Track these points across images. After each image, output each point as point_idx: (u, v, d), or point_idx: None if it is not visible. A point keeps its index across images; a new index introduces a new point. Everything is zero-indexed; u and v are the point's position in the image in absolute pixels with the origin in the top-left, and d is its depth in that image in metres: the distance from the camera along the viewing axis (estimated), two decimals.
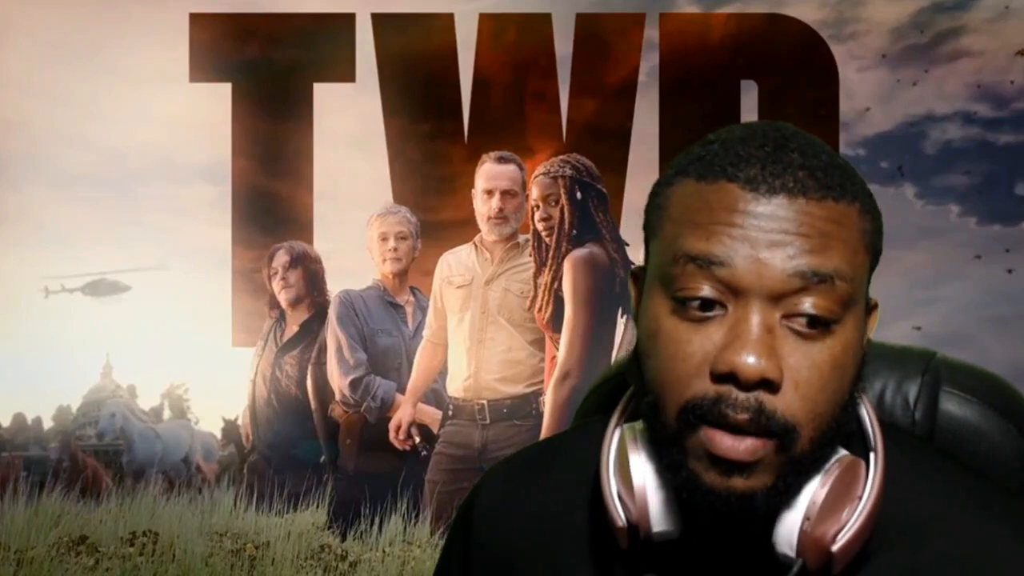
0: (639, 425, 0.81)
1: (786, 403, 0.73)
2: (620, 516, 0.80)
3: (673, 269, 0.76)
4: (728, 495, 0.74)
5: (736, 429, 0.73)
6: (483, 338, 3.80)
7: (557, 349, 3.63)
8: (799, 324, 0.74)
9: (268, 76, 4.95)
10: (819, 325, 0.74)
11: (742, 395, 0.73)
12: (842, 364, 0.75)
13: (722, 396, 0.73)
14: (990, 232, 5.06)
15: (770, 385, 0.73)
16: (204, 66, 4.92)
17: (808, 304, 0.73)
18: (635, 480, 0.79)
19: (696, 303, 0.74)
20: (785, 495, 0.75)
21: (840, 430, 0.76)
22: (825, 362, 0.74)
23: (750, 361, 0.72)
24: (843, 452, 0.78)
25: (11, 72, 5.08)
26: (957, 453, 0.87)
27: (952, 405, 0.88)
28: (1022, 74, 4.93)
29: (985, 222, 5.08)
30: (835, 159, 0.78)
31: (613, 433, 0.84)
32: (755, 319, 0.73)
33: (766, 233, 0.73)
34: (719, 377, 0.73)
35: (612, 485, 0.81)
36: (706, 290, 0.74)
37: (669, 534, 0.80)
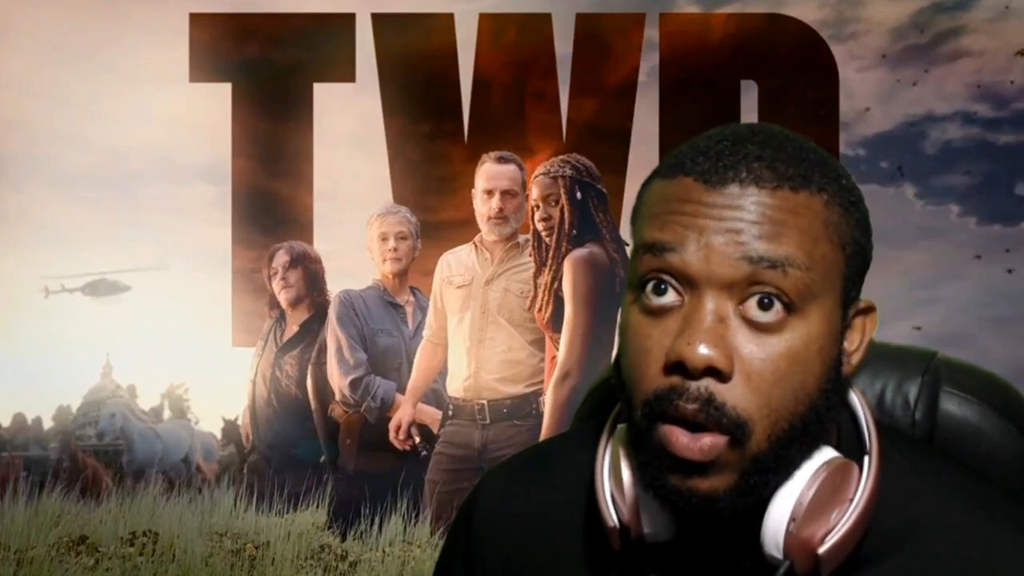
0: None
1: (736, 395, 0.73)
2: (612, 517, 0.80)
3: (634, 261, 0.77)
4: (690, 496, 0.74)
5: (689, 423, 0.73)
6: (483, 338, 3.80)
7: (557, 349, 3.63)
8: (752, 311, 0.73)
9: (268, 76, 4.95)
10: (772, 309, 0.73)
11: (692, 385, 0.73)
12: (803, 359, 0.74)
13: (674, 387, 0.73)
14: (990, 232, 5.06)
15: (718, 374, 0.72)
16: (204, 66, 4.92)
17: (760, 290, 0.73)
18: (626, 482, 0.80)
19: (651, 285, 0.75)
20: (750, 495, 0.75)
21: (808, 430, 0.75)
22: (780, 355, 0.73)
23: (697, 349, 0.72)
24: (833, 454, 0.77)
25: (11, 72, 5.08)
26: (957, 453, 0.86)
27: (952, 405, 0.88)
28: (1022, 74, 4.93)
29: (985, 222, 5.08)
30: (805, 153, 0.77)
31: (608, 435, 0.84)
32: (707, 308, 0.73)
33: (716, 221, 0.74)
34: (670, 367, 0.73)
35: (605, 487, 0.81)
36: (662, 275, 0.75)
37: (661, 535, 0.80)
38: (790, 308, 0.73)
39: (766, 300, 0.73)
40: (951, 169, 5.11)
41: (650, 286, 0.75)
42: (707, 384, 0.73)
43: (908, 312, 4.88)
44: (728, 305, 0.74)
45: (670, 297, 0.75)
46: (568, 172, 3.67)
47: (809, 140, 0.79)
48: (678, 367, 0.73)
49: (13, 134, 5.13)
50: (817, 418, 0.76)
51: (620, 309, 0.81)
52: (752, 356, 0.73)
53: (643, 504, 0.79)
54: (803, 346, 0.74)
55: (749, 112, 4.85)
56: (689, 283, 0.74)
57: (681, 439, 0.73)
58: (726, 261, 0.73)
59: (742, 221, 0.74)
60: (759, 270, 0.73)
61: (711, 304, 0.73)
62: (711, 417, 0.72)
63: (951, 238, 5.10)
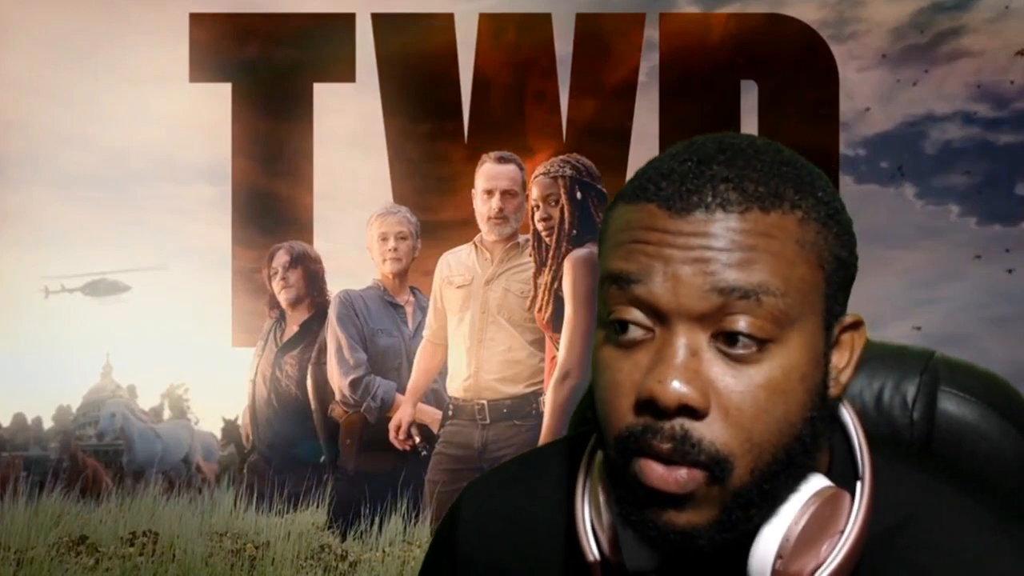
0: None
1: (714, 431, 0.69)
2: (592, 551, 0.78)
3: (601, 293, 0.73)
4: (667, 531, 0.71)
5: (665, 459, 0.70)
6: (483, 338, 3.80)
7: (557, 349, 3.63)
8: (726, 345, 0.70)
9: (268, 76, 4.95)
10: (748, 345, 0.69)
11: (666, 424, 0.69)
12: (784, 389, 0.70)
13: (647, 426, 0.70)
14: (990, 232, 5.06)
15: (693, 412, 0.69)
16: (204, 66, 4.92)
17: (734, 322, 0.69)
18: (605, 514, 0.78)
19: (619, 326, 0.72)
20: (732, 531, 0.71)
21: (794, 461, 0.72)
22: (759, 386, 0.69)
23: (670, 386, 0.69)
24: (823, 483, 0.74)
25: (11, 72, 5.08)
26: (956, 453, 0.85)
27: (951, 405, 0.87)
28: (1022, 74, 4.93)
29: (985, 222, 5.08)
30: (776, 167, 0.72)
31: (588, 460, 0.82)
32: (678, 342, 0.70)
33: (682, 251, 0.70)
34: (642, 405, 0.70)
35: (585, 516, 0.79)
36: (632, 313, 0.71)
37: (643, 567, 0.78)
38: (766, 340, 0.70)
39: (737, 337, 0.69)
40: (951, 169, 5.12)
41: (617, 325, 0.72)
42: (681, 422, 0.69)
43: (908, 312, 4.88)
44: (701, 337, 0.70)
45: (638, 332, 0.71)
46: (568, 172, 3.67)
47: (785, 150, 0.75)
48: (649, 405, 0.70)
49: (13, 134, 5.13)
50: (803, 448, 0.72)
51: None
52: (729, 389, 0.69)
53: (624, 536, 0.77)
54: (783, 375, 0.70)
55: (749, 112, 4.85)
56: (658, 316, 0.70)
57: (656, 470, 0.70)
58: (695, 293, 0.69)
59: (710, 249, 0.69)
60: (731, 301, 0.69)
61: (682, 337, 0.70)
62: (688, 455, 0.69)
63: (951, 238, 5.11)
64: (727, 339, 0.70)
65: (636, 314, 0.71)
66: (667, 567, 0.78)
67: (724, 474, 0.70)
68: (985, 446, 0.86)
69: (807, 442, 0.72)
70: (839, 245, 0.74)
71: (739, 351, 0.70)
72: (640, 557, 0.77)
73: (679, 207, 0.71)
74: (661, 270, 0.70)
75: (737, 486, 0.70)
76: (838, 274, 0.74)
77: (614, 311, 0.72)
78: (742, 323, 0.69)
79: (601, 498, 0.78)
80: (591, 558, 0.78)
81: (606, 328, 0.74)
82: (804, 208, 0.72)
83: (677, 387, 0.69)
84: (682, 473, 0.70)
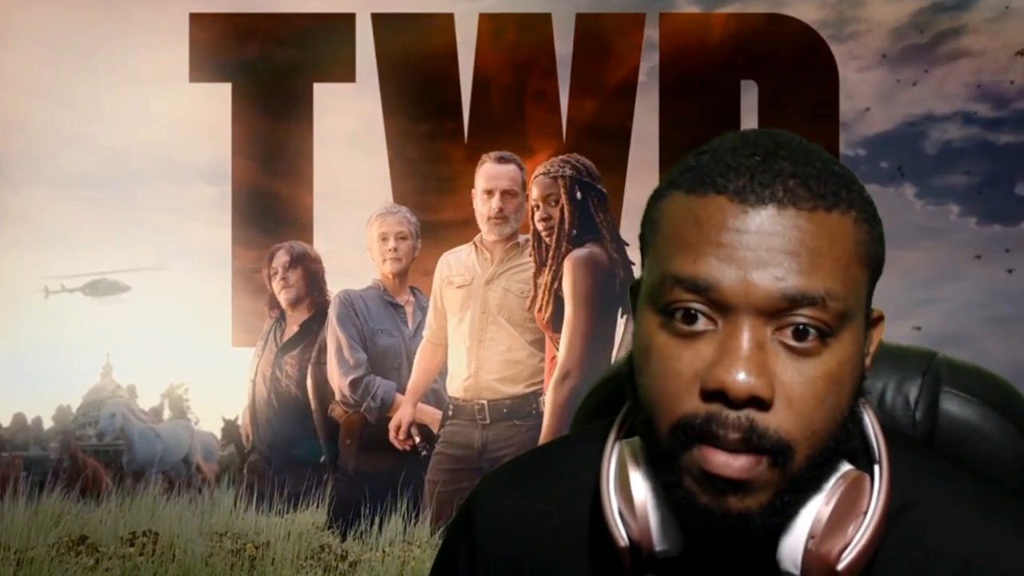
0: (638, 441, 0.80)
1: (779, 420, 0.72)
2: (622, 536, 0.79)
3: (662, 288, 0.75)
4: (723, 515, 0.73)
5: (729, 448, 0.72)
6: (483, 338, 3.80)
7: (557, 349, 3.63)
8: (790, 339, 0.72)
9: (268, 76, 4.95)
10: (812, 340, 0.72)
11: (732, 414, 0.71)
12: (839, 380, 0.74)
13: (712, 415, 0.72)
14: (990, 232, 5.06)
15: (761, 403, 0.71)
16: (204, 66, 4.92)
17: (799, 318, 0.72)
18: (636, 498, 0.78)
19: (681, 314, 0.73)
20: (783, 514, 0.74)
21: (839, 448, 0.75)
22: (820, 378, 0.73)
23: (739, 378, 0.71)
24: (847, 467, 0.77)
25: (11, 72, 5.08)
26: (958, 453, 0.86)
27: (952, 405, 0.88)
28: (1022, 74, 4.93)
29: (985, 222, 5.09)
30: (830, 166, 0.76)
31: (612, 449, 0.83)
32: (745, 335, 0.72)
33: (753, 251, 0.72)
34: (709, 395, 0.72)
35: (613, 503, 0.80)
36: (695, 305, 0.73)
37: (671, 552, 0.79)
38: (827, 334, 0.73)
39: (803, 329, 0.72)
40: (951, 169, 5.12)
41: (680, 314, 0.74)
42: (748, 413, 0.71)
43: (908, 312, 4.88)
44: (766, 331, 0.72)
45: (701, 323, 0.73)
46: (568, 172, 3.67)
47: (822, 148, 0.78)
48: (717, 395, 0.72)
49: (13, 134, 5.13)
50: (847, 435, 0.76)
51: (634, 324, 0.78)
52: (792, 381, 0.72)
53: (653, 520, 0.78)
54: (838, 367, 0.73)
55: (749, 112, 4.85)
56: (724, 309, 0.73)
57: (719, 458, 0.72)
58: (764, 295, 0.72)
59: (781, 252, 0.72)
60: (799, 305, 0.72)
61: (749, 331, 0.72)
62: (753, 445, 0.72)
63: (951, 238, 5.11)
64: (794, 335, 0.73)
65: (698, 305, 0.73)
66: (694, 550, 0.79)
67: (786, 460, 0.72)
68: (986, 446, 0.87)
69: (850, 429, 0.76)
70: (879, 246, 0.77)
71: (804, 345, 0.73)
72: (669, 541, 0.79)
73: (752, 200, 0.73)
74: (732, 273, 0.72)
75: (794, 471, 0.73)
76: (876, 274, 0.78)
77: (679, 301, 0.74)
78: (809, 323, 0.72)
79: (633, 485, 0.79)
80: (622, 543, 0.79)
81: (662, 315, 0.75)
82: (857, 208, 0.75)
83: (746, 379, 0.71)
84: (744, 460, 0.72)
